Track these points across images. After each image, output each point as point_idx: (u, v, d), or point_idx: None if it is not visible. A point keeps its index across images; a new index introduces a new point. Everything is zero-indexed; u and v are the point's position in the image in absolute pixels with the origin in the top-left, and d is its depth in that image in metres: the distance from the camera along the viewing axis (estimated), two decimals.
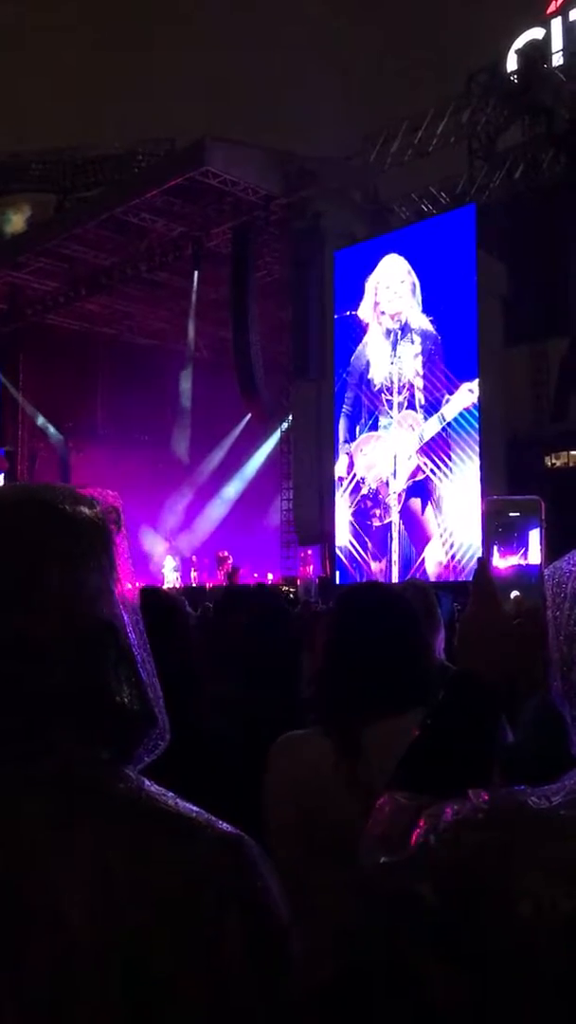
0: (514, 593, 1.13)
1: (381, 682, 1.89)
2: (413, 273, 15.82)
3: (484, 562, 1.15)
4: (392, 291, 16.05)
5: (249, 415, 20.33)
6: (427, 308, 15.59)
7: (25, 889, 0.79)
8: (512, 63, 15.99)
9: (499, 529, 1.15)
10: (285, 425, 19.31)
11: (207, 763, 1.70)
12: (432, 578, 14.94)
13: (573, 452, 15.79)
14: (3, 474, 22.42)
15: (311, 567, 17.44)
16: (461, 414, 14.91)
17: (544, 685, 1.14)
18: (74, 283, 20.40)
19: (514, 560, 1.14)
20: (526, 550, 1.14)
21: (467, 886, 0.83)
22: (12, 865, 0.80)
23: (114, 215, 17.93)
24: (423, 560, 15.20)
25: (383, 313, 16.21)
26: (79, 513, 0.92)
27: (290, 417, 18.66)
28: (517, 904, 0.79)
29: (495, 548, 1.15)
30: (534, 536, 1.14)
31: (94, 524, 0.93)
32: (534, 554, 1.13)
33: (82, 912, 0.78)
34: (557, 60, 15.43)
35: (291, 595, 14.19)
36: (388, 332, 16.13)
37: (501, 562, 1.14)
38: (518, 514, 1.14)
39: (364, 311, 16.52)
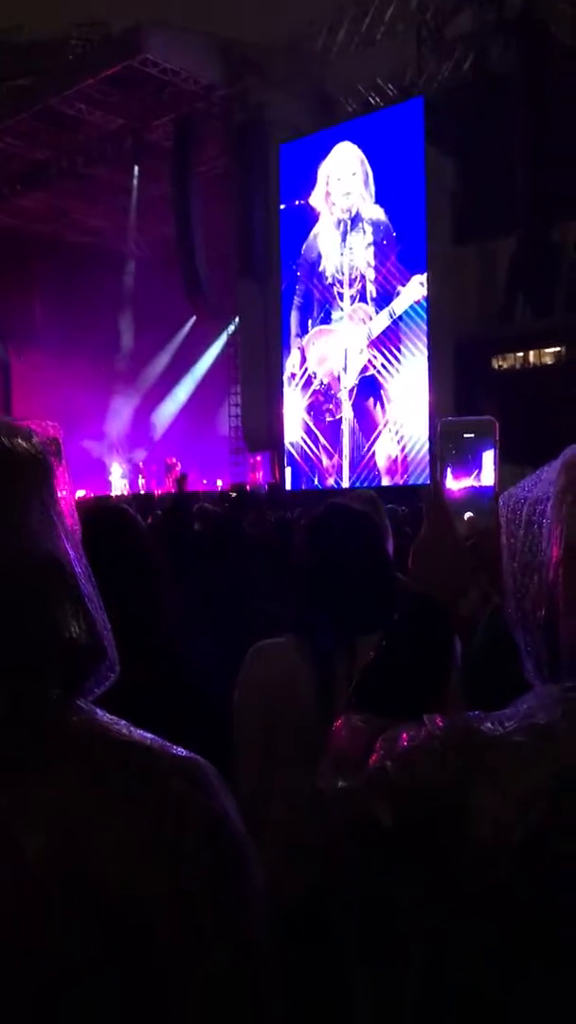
0: (468, 514, 1.13)
1: (353, 603, 1.95)
2: (367, 163, 15.49)
3: (437, 483, 1.15)
4: (343, 183, 15.70)
5: (195, 316, 19.95)
6: (379, 199, 15.31)
7: None
8: None
9: (452, 451, 1.15)
10: (232, 327, 19.01)
11: (173, 676, 1.73)
12: (382, 471, 15.11)
13: (520, 354, 15.81)
14: None
15: (260, 473, 17.44)
16: (412, 308, 14.83)
17: (495, 603, 1.15)
18: (7, 179, 19.55)
19: (468, 482, 1.14)
20: (479, 471, 1.14)
21: (424, 810, 0.85)
22: None
23: (48, 105, 17.10)
24: (373, 454, 15.32)
25: (334, 204, 15.89)
26: (17, 446, 0.89)
27: (236, 318, 18.35)
28: (475, 826, 0.81)
29: (448, 470, 1.14)
30: (488, 457, 1.14)
31: (33, 458, 0.90)
32: (488, 476, 1.13)
33: (41, 853, 0.78)
34: None
35: (238, 501, 14.19)
36: (339, 222, 15.84)
37: (454, 484, 1.14)
38: (472, 435, 1.14)
39: (316, 199, 16.18)
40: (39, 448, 0.92)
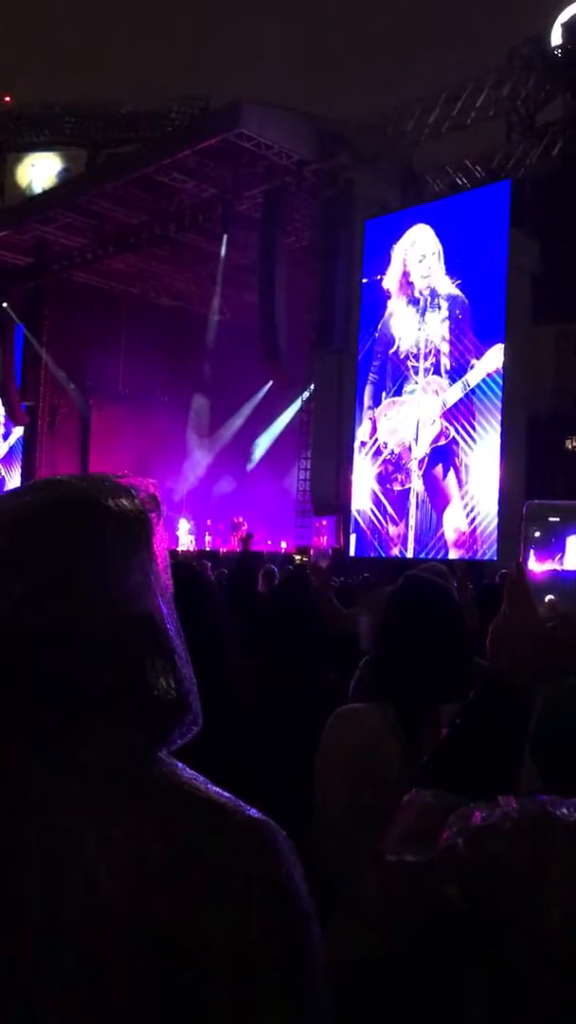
0: (548, 597, 1.14)
1: (435, 672, 1.99)
2: (438, 241, 15.74)
3: (520, 565, 1.16)
4: (424, 264, 15.94)
5: (271, 382, 20.27)
6: (454, 272, 15.50)
7: (65, 873, 0.82)
8: (557, 36, 15.68)
9: (537, 533, 1.16)
10: (307, 394, 19.25)
11: (239, 735, 1.75)
12: (450, 544, 14.98)
13: None
14: (23, 428, 22.48)
15: (325, 537, 17.47)
16: (485, 381, 14.86)
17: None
18: (102, 240, 20.29)
19: (551, 565, 1.14)
20: (563, 555, 1.15)
21: (495, 891, 0.84)
22: (52, 850, 0.83)
23: (145, 173, 17.78)
24: (441, 526, 15.24)
25: (411, 283, 16.11)
26: (121, 507, 0.93)
27: (312, 386, 18.60)
28: (546, 913, 0.80)
29: (532, 552, 1.15)
30: (572, 542, 1.15)
31: (136, 517, 0.94)
32: (571, 560, 1.14)
33: (118, 896, 0.81)
34: None
35: (303, 564, 14.23)
36: (415, 300, 16.05)
37: (537, 566, 1.15)
38: (558, 519, 1.15)
39: (389, 280, 16.43)
40: (141, 507, 0.95)
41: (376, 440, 16.42)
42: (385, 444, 16.27)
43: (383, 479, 16.26)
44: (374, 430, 16.48)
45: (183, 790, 0.90)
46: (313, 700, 2.08)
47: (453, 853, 0.90)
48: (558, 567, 1.13)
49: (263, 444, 22.10)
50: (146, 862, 0.83)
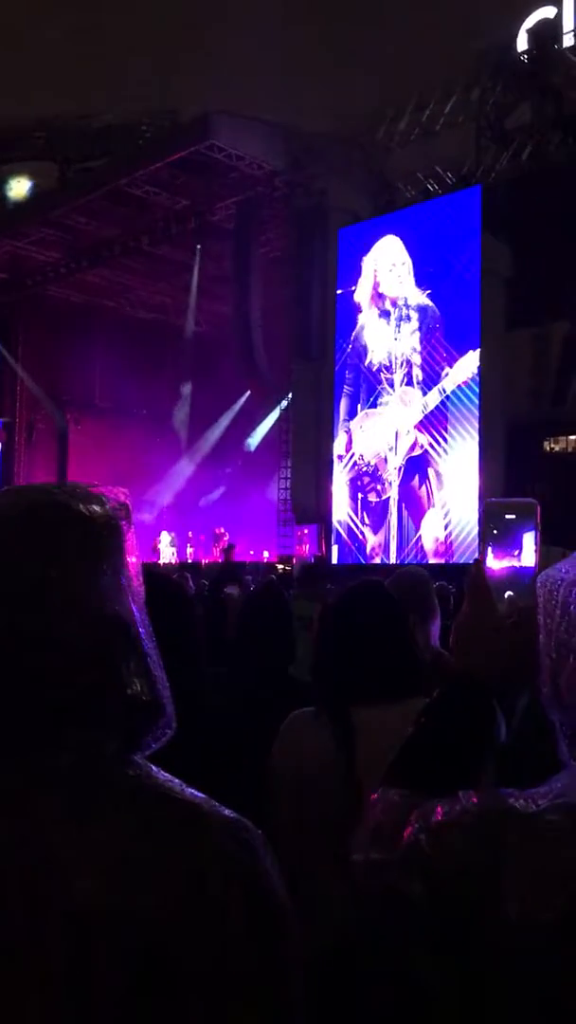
0: (508, 593, 1.15)
1: (368, 672, 2.01)
2: (407, 253, 15.84)
3: (479, 563, 1.17)
4: (394, 274, 16.03)
5: (248, 392, 20.30)
6: (424, 283, 15.59)
7: (41, 880, 0.83)
8: (523, 42, 15.82)
9: (494, 531, 1.17)
10: (285, 403, 19.29)
11: (212, 742, 1.77)
12: (429, 553, 15.04)
13: (572, 437, 15.78)
14: (0, 445, 22.40)
15: (307, 546, 17.49)
16: (460, 388, 14.94)
17: (534, 684, 1.16)
18: (75, 254, 20.30)
19: (509, 562, 1.16)
20: (520, 551, 1.16)
21: (455, 886, 0.85)
22: (29, 857, 0.83)
23: (118, 186, 17.80)
24: (420, 535, 15.29)
25: (381, 295, 16.20)
26: (92, 512, 0.95)
27: (289, 395, 18.63)
28: (506, 906, 0.81)
29: (490, 549, 1.17)
30: (528, 539, 1.16)
31: (106, 523, 0.96)
32: (528, 556, 1.15)
33: (99, 896, 0.83)
34: (568, 40, 15.26)
35: (286, 573, 14.25)
36: (385, 313, 16.13)
37: (495, 563, 1.16)
38: (514, 517, 1.16)
39: (360, 293, 16.51)
40: (111, 513, 0.97)
41: (352, 453, 16.47)
42: (361, 456, 16.33)
43: (361, 490, 16.32)
44: (350, 443, 16.55)
45: (159, 792, 0.91)
46: (285, 706, 2.09)
47: (416, 849, 0.91)
48: (516, 563, 1.15)
49: (238, 457, 22.12)
50: (127, 863, 0.85)
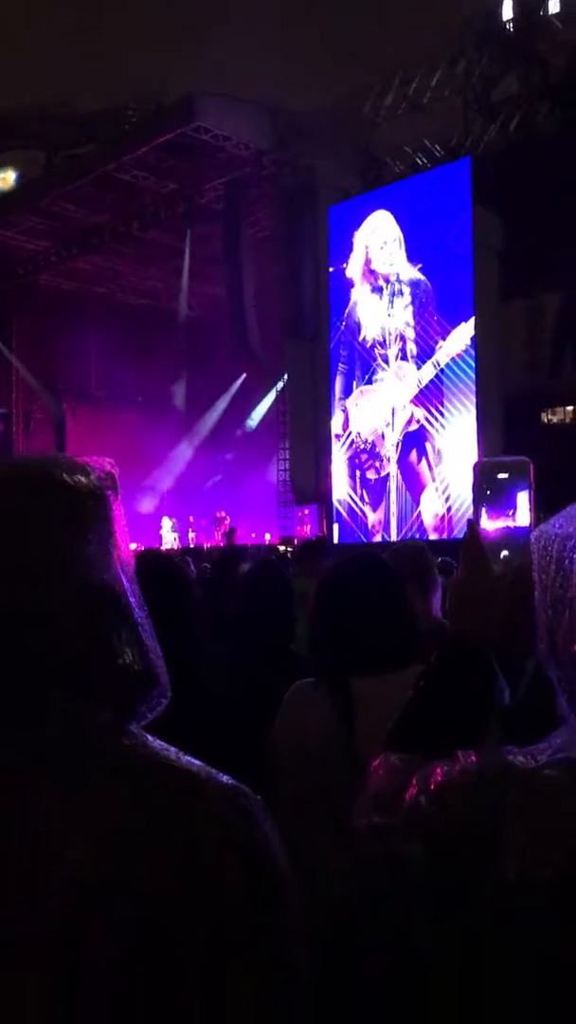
0: (503, 553, 1.14)
1: (365, 641, 2.01)
2: (398, 227, 15.74)
3: (473, 524, 1.16)
4: (386, 251, 15.94)
5: (244, 374, 20.23)
6: (416, 258, 15.51)
7: (34, 852, 0.82)
8: (508, 11, 15.66)
9: (487, 491, 1.16)
10: (281, 384, 19.22)
11: (212, 720, 1.77)
12: (429, 529, 15.04)
13: (569, 408, 15.74)
14: None
15: (308, 527, 17.49)
16: (455, 361, 14.87)
17: (533, 643, 1.15)
18: (65, 242, 20.16)
19: (503, 522, 1.15)
20: (514, 511, 1.15)
21: (455, 846, 0.85)
22: (21, 829, 0.83)
23: (104, 172, 17.67)
24: (419, 511, 15.28)
25: (373, 272, 16.12)
26: (77, 482, 0.94)
27: (285, 376, 18.57)
28: (506, 864, 0.81)
29: (483, 510, 1.16)
30: (522, 498, 1.15)
31: (91, 492, 0.95)
32: (522, 516, 1.14)
33: (94, 867, 0.82)
34: (554, 7, 15.10)
35: (287, 555, 14.24)
36: (378, 289, 16.05)
37: (489, 524, 1.15)
38: (507, 476, 1.15)
39: (352, 269, 16.42)
40: (97, 483, 0.96)
41: (349, 432, 16.43)
42: (359, 434, 16.28)
43: (359, 468, 16.28)
44: (346, 421, 16.50)
45: (154, 760, 0.90)
46: (286, 682, 2.09)
47: (416, 811, 0.91)
48: (510, 523, 1.14)
49: (236, 440, 22.07)
50: (120, 832, 0.84)
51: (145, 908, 0.81)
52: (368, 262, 16.21)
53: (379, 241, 16.06)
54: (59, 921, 0.80)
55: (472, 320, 14.70)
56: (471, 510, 1.19)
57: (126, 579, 0.95)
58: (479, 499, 1.16)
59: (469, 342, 14.72)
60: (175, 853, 0.83)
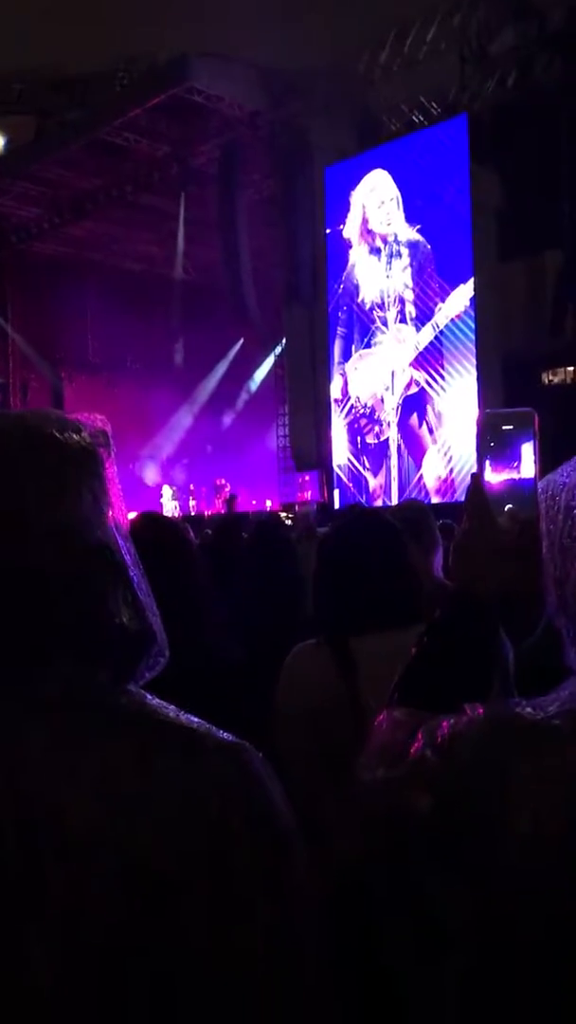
0: (508, 506, 1.12)
1: (367, 599, 2.00)
2: (396, 187, 15.56)
3: (476, 477, 1.14)
4: (383, 211, 15.76)
5: (243, 339, 20.09)
6: (414, 218, 15.34)
7: (35, 811, 0.81)
8: None
9: (491, 443, 1.14)
10: (280, 348, 19.10)
11: (217, 681, 1.77)
12: (431, 492, 15.03)
13: (570, 368, 15.64)
14: None
15: (309, 493, 17.47)
16: (455, 323, 14.76)
17: (540, 596, 1.13)
18: (58, 208, 19.94)
19: (507, 474, 1.13)
20: (519, 463, 1.13)
21: (465, 799, 0.84)
22: (20, 788, 0.82)
23: (96, 137, 17.44)
24: (421, 474, 15.26)
25: (371, 233, 15.95)
26: (68, 439, 0.92)
27: (283, 341, 18.45)
28: (515, 816, 0.80)
29: (487, 462, 1.13)
30: (527, 449, 1.13)
31: (84, 449, 0.93)
32: (527, 467, 1.12)
33: (91, 829, 0.81)
34: None
35: (289, 521, 14.25)
36: (375, 250, 15.90)
37: (494, 476, 1.13)
38: (511, 427, 1.13)
39: (349, 229, 16.24)
40: (89, 440, 0.94)
41: (348, 395, 16.35)
42: (358, 398, 16.21)
43: (359, 432, 16.23)
44: (346, 385, 16.42)
45: (153, 718, 0.89)
46: (288, 640, 2.09)
47: (423, 764, 0.90)
48: (515, 476, 1.12)
49: (236, 406, 22.00)
50: (120, 792, 0.83)
51: (148, 864, 0.80)
52: (365, 222, 16.04)
53: (376, 200, 15.89)
54: (59, 877, 0.80)
55: (471, 281, 14.57)
56: (475, 468, 1.16)
57: (120, 537, 0.94)
58: (483, 452, 1.13)
59: (468, 303, 14.59)
60: (176, 809, 0.83)
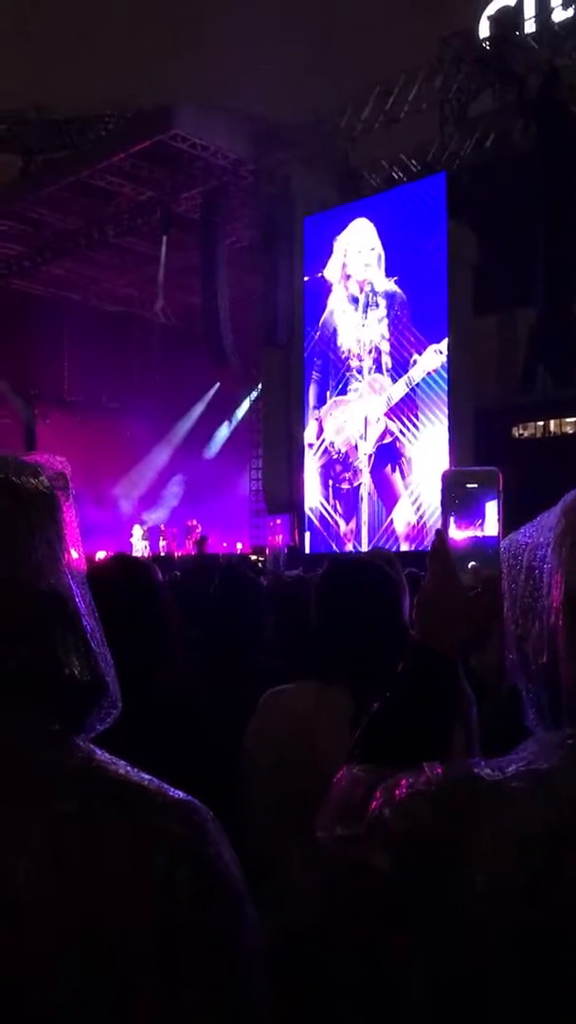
0: (471, 564, 1.13)
1: (371, 654, 1.95)
2: (378, 238, 15.83)
3: (441, 534, 1.15)
4: (362, 258, 16.00)
5: (219, 383, 20.20)
6: (392, 270, 15.58)
7: None
8: (485, 29, 15.83)
9: (456, 501, 1.15)
10: (255, 394, 19.21)
11: (182, 722, 1.74)
12: (401, 537, 15.09)
13: (540, 423, 15.86)
14: None
15: (280, 536, 17.47)
16: (430, 376, 14.96)
17: (498, 655, 1.14)
18: (39, 247, 20.06)
19: (471, 532, 1.13)
20: (483, 521, 1.14)
21: (421, 858, 0.83)
22: None
23: (81, 178, 17.61)
24: (391, 521, 15.34)
25: (349, 277, 16.18)
26: (26, 483, 0.91)
27: (259, 385, 18.56)
28: (471, 876, 0.79)
29: (452, 519, 1.14)
30: (491, 508, 1.14)
31: (40, 494, 0.91)
32: (491, 526, 1.13)
33: (35, 891, 0.78)
34: (529, 27, 15.29)
35: (259, 564, 14.22)
36: (353, 299, 16.11)
37: (458, 533, 1.14)
38: (476, 486, 1.14)
39: (330, 272, 16.46)
40: (46, 484, 0.93)
41: (323, 440, 16.47)
42: (332, 444, 16.32)
43: (332, 478, 16.33)
44: (320, 431, 16.54)
45: (100, 775, 0.86)
46: (254, 684, 2.06)
47: (380, 822, 0.89)
48: (479, 533, 1.13)
49: (209, 449, 22.04)
50: (64, 853, 0.80)
51: (93, 924, 0.78)
52: (344, 267, 16.27)
53: (357, 247, 16.13)
54: (0, 937, 0.77)
55: (446, 340, 14.79)
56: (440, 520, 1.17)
57: (76, 584, 0.92)
58: (447, 509, 1.14)
59: (444, 359, 14.80)
60: (122, 868, 0.80)
